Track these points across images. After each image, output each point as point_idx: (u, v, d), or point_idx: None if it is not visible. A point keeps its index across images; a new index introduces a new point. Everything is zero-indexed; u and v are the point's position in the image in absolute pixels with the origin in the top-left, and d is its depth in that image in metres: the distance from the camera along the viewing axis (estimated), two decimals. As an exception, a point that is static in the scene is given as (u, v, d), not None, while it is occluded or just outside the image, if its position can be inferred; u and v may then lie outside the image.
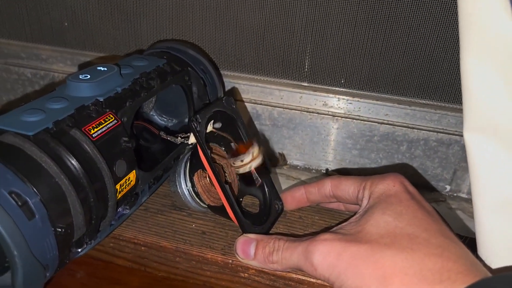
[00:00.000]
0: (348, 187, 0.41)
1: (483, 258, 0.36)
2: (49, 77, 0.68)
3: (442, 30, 0.52)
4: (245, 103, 0.62)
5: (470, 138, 0.34)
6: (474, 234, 0.38)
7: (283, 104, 0.61)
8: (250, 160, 0.41)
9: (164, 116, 0.55)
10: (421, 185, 0.60)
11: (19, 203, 0.29)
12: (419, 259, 0.31)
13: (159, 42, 0.59)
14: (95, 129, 0.36)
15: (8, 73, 0.69)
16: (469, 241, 0.37)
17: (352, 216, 0.38)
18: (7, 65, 0.68)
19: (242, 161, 0.41)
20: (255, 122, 0.62)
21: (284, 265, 0.37)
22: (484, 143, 0.34)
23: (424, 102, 0.57)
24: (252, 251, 0.39)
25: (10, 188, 0.30)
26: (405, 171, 0.60)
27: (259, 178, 0.43)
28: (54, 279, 0.44)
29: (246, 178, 0.44)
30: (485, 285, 0.28)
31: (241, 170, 0.42)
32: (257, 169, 0.42)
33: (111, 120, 0.38)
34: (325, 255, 0.34)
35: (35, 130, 0.33)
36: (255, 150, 0.41)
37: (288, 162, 0.64)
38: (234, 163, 0.42)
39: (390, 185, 0.38)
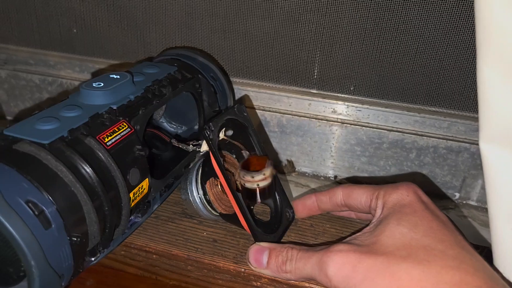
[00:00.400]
0: (360, 196, 0.41)
1: (500, 269, 0.36)
2: (57, 83, 0.68)
3: (452, 37, 0.52)
4: (254, 110, 0.62)
5: (486, 148, 0.34)
6: (485, 242, 0.38)
7: (292, 111, 0.61)
8: (260, 180, 0.41)
9: (173, 123, 0.55)
10: (431, 192, 0.60)
11: (36, 213, 0.29)
12: (436, 272, 0.31)
13: (169, 49, 0.59)
14: (109, 138, 0.36)
15: (16, 79, 0.69)
16: (486, 252, 0.36)
17: (366, 226, 0.38)
18: (16, 71, 0.69)
19: (252, 177, 0.41)
20: (264, 129, 0.62)
21: (298, 275, 0.37)
22: (501, 153, 0.33)
23: (433, 109, 0.57)
24: (265, 260, 0.39)
25: (27, 197, 0.29)
26: (414, 178, 0.60)
27: (259, 199, 0.42)
28: (63, 287, 0.44)
29: (248, 192, 0.44)
30: None
31: (248, 185, 0.42)
32: (261, 189, 0.42)
33: (124, 128, 0.38)
34: (340, 266, 0.34)
35: (51, 139, 0.33)
36: (267, 171, 0.41)
37: (296, 169, 0.64)
38: (243, 177, 0.41)
39: (404, 194, 0.37)
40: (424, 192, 0.39)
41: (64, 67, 0.67)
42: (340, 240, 0.37)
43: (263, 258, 0.39)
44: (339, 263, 0.33)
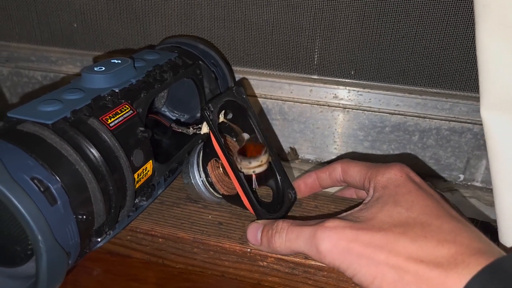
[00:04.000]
0: (355, 174, 0.41)
1: (506, 236, 0.35)
2: (59, 79, 0.68)
3: (451, 18, 0.52)
4: (256, 98, 0.62)
5: (488, 115, 0.34)
6: (487, 218, 0.38)
7: (293, 98, 0.61)
8: (257, 166, 0.41)
9: (175, 111, 0.55)
10: (435, 175, 0.60)
11: (42, 189, 0.29)
12: (433, 247, 0.31)
13: (169, 37, 0.59)
14: (112, 119, 0.37)
15: (18, 76, 0.70)
16: (481, 224, 0.36)
17: (360, 204, 0.38)
18: (18, 69, 0.69)
19: (249, 163, 0.41)
20: (266, 117, 0.63)
21: (288, 248, 0.36)
22: (502, 120, 0.34)
23: (435, 91, 0.57)
24: (259, 235, 0.39)
25: (32, 174, 0.30)
26: (417, 162, 0.60)
27: (256, 185, 0.42)
28: (70, 278, 0.44)
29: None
30: (499, 265, 0.28)
31: (244, 171, 0.42)
32: (257, 175, 0.42)
33: (127, 110, 0.38)
34: (335, 242, 0.33)
35: (54, 119, 0.33)
36: (264, 158, 0.41)
37: (299, 157, 0.64)
38: (241, 162, 0.41)
39: (397, 175, 0.37)
40: (427, 174, 0.39)
41: (66, 63, 0.67)
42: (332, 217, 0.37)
43: (257, 234, 0.39)
44: (334, 239, 0.33)
